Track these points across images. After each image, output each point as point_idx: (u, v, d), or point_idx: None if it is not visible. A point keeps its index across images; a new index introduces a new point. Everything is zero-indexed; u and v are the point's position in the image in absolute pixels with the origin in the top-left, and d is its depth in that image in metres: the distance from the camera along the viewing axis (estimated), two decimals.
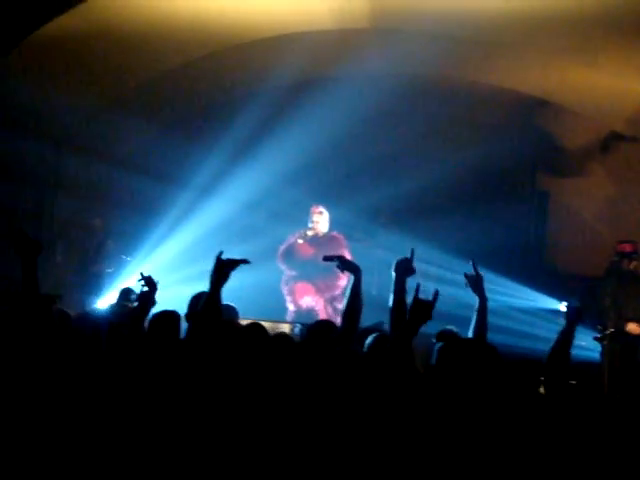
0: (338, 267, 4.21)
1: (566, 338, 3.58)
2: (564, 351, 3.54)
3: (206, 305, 3.42)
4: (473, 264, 4.02)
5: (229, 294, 4.32)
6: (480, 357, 3.11)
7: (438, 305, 4.23)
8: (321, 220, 8.54)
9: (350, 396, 3.03)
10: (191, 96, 9.76)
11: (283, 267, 8.51)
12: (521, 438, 2.85)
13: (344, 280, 8.03)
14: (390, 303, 3.65)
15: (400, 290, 3.66)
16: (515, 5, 7.25)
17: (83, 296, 8.57)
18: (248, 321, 4.21)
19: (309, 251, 8.45)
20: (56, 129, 8.98)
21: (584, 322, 4.00)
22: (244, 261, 3.62)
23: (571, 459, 2.87)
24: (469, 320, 4.11)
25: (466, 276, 4.00)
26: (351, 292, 3.98)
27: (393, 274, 3.71)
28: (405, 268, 3.72)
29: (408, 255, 3.77)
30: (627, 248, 7.71)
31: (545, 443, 2.89)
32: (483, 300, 3.94)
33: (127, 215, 9.42)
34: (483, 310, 3.90)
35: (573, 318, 3.63)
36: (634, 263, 7.58)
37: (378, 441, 2.78)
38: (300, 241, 8.52)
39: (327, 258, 4.42)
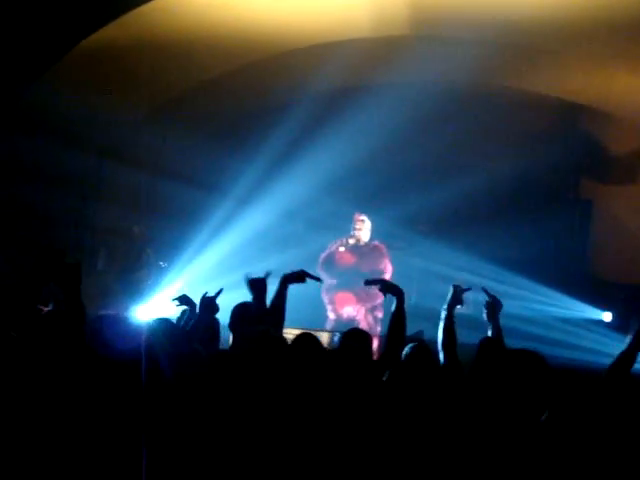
0: (381, 290, 4.16)
1: (627, 359, 3.52)
2: (624, 370, 3.48)
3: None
4: (485, 292, 3.99)
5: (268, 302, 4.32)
6: (527, 365, 3.07)
7: (478, 314, 4.21)
8: (363, 228, 8.54)
9: (383, 401, 3.02)
10: (232, 105, 9.82)
11: (324, 275, 8.50)
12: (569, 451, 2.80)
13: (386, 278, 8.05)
14: (440, 333, 3.78)
15: (449, 318, 3.82)
16: (558, 11, 7.16)
17: (125, 303, 8.64)
18: (288, 330, 4.19)
19: (350, 260, 8.45)
20: (99, 138, 9.11)
21: (630, 331, 3.91)
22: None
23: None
24: (511, 328, 4.08)
25: (487, 305, 4.02)
26: (394, 315, 3.92)
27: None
28: (455, 299, 3.88)
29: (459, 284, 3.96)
30: None
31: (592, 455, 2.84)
32: (495, 329, 3.97)
33: (167, 223, 9.50)
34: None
35: (638, 342, 3.54)
36: None
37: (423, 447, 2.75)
38: (342, 249, 8.52)
39: (369, 282, 4.43)
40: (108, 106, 8.34)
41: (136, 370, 2.78)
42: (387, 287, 4.13)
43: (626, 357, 3.54)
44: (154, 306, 8.09)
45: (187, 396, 2.79)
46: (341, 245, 8.56)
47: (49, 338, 3.05)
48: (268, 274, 3.89)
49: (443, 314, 3.83)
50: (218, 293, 3.86)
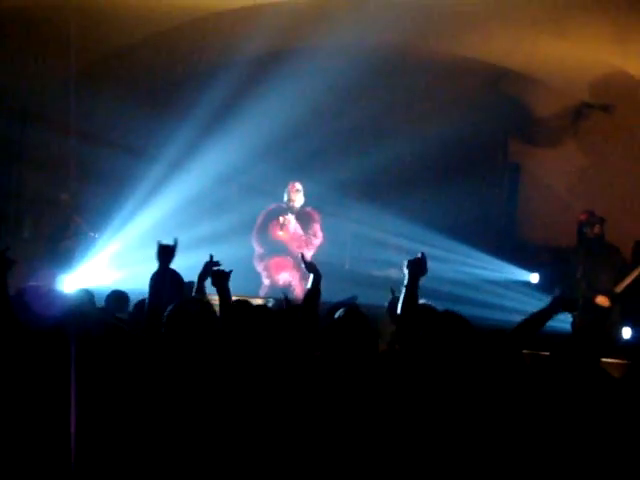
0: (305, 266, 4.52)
1: (539, 321, 3.59)
2: (533, 329, 3.57)
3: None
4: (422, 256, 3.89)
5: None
6: (455, 328, 3.14)
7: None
8: (297, 198, 8.53)
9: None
10: (161, 68, 9.61)
11: (258, 248, 8.48)
12: (496, 408, 2.87)
13: (313, 248, 8.14)
14: (400, 302, 3.66)
15: (413, 288, 3.67)
16: None
17: (52, 272, 8.46)
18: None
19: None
20: (21, 102, 8.81)
21: (553, 293, 4.02)
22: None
23: (539, 428, 2.90)
24: (441, 291, 4.12)
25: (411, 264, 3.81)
26: (308, 291, 4.27)
27: (405, 272, 3.72)
28: (420, 267, 3.72)
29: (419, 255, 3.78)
30: (582, 217, 7.83)
31: (517, 412, 2.91)
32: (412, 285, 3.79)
33: (96, 190, 9.29)
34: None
35: (557, 307, 3.62)
36: (597, 227, 7.66)
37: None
38: (282, 221, 8.46)
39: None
40: (32, 68, 8.06)
41: (61, 341, 2.73)
42: (308, 266, 4.47)
43: (539, 318, 3.61)
44: (82, 275, 7.94)
45: (114, 368, 2.75)
46: (282, 218, 8.48)
47: None
48: (176, 242, 3.92)
49: (406, 282, 3.70)
50: (175, 243, 3.89)
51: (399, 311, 3.64)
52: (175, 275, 3.91)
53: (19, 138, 9.14)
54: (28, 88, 8.47)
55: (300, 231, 8.39)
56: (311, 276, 4.29)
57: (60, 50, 8.28)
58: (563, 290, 4.01)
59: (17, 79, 8.04)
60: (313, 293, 4.20)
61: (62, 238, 8.80)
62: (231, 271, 4.17)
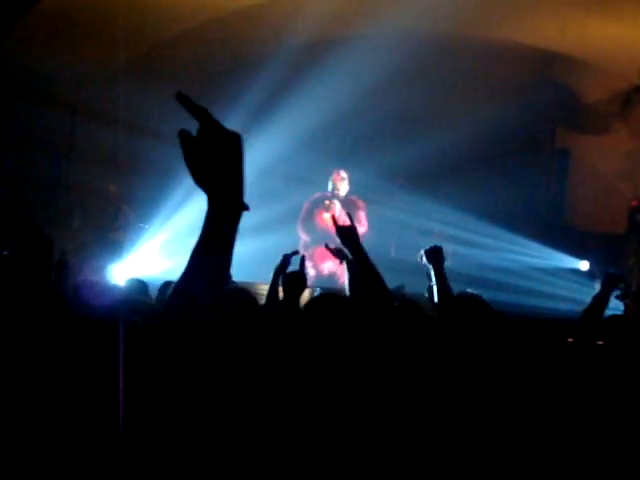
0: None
1: (600, 304, 3.58)
2: (596, 315, 3.54)
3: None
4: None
5: (245, 259, 4.32)
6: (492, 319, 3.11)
7: (457, 266, 4.22)
8: (342, 186, 8.54)
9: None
10: (207, 59, 9.67)
11: (304, 236, 8.51)
12: (547, 398, 2.83)
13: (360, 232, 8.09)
14: (435, 295, 3.63)
15: (441, 277, 3.65)
16: None
17: (102, 262, 8.60)
18: (264, 286, 4.17)
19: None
20: (70, 96, 8.94)
21: (600, 277, 3.99)
22: None
23: (594, 416, 2.85)
24: (487, 281, 4.09)
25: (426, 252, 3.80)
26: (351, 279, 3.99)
27: (425, 262, 3.71)
28: (437, 256, 3.72)
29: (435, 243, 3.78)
30: (634, 203, 7.68)
31: (572, 401, 2.88)
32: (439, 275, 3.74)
33: (143, 181, 9.40)
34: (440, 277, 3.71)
35: (609, 284, 3.62)
36: None
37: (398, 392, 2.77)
38: (328, 203, 8.47)
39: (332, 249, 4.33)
40: (80, 62, 8.17)
41: (113, 331, 2.77)
42: (337, 253, 4.18)
43: (598, 301, 3.62)
44: (132, 265, 8.06)
45: (166, 357, 2.78)
46: (328, 201, 8.50)
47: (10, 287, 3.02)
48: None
49: (432, 274, 3.70)
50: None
51: (436, 300, 3.63)
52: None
53: (69, 131, 9.30)
54: (77, 82, 8.60)
55: (345, 217, 8.40)
56: (345, 264, 4.09)
57: (107, 44, 8.39)
58: (608, 267, 4.02)
59: (66, 73, 8.16)
60: (357, 279, 3.86)
61: (111, 229, 8.95)
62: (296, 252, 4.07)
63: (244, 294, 3.29)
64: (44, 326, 2.85)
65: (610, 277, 3.70)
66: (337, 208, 8.40)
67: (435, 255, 3.72)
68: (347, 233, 3.60)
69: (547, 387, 2.92)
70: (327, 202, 8.45)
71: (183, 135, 1.46)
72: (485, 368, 2.90)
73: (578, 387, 2.97)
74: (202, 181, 1.52)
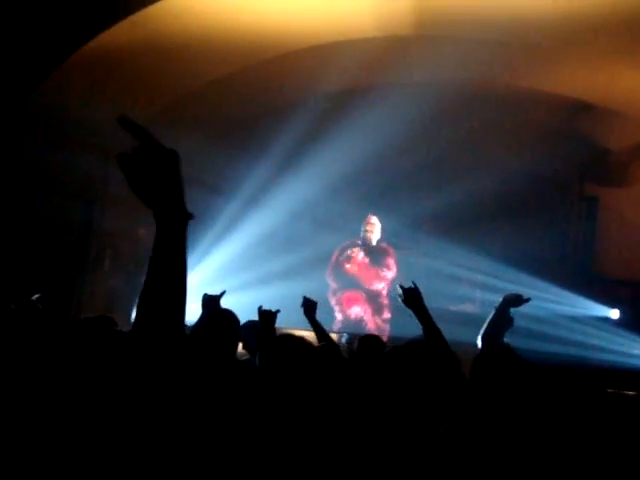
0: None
1: (493, 323, 3.68)
2: (494, 335, 3.55)
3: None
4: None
5: (274, 304, 4.36)
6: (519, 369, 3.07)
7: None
8: (374, 230, 8.59)
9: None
10: (237, 106, 9.83)
11: (332, 283, 8.56)
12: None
13: (385, 281, 8.12)
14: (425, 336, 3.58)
15: (427, 319, 3.60)
16: (560, 8, 7.16)
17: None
18: (294, 331, 4.21)
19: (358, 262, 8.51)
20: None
21: (636, 330, 3.96)
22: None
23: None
24: (517, 329, 4.06)
25: (402, 288, 3.76)
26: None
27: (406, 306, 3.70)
28: (415, 298, 3.68)
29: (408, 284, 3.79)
30: None
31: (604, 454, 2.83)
32: (422, 317, 3.64)
33: None
34: (428, 328, 3.59)
35: (506, 304, 3.85)
36: None
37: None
38: (350, 253, 8.54)
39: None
40: (114, 109, 8.34)
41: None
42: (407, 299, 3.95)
43: (491, 320, 3.81)
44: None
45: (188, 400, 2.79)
46: (350, 250, 8.58)
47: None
48: (223, 293, 4.18)
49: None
50: (222, 294, 4.00)
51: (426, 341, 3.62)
52: (230, 316, 3.96)
53: (101, 176, 9.46)
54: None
55: (368, 263, 8.43)
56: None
57: (141, 90, 8.58)
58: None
59: (101, 120, 8.34)
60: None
61: (141, 273, 9.03)
62: (278, 311, 4.31)
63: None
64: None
65: (509, 297, 3.80)
66: (359, 256, 8.45)
67: (412, 299, 3.67)
68: (411, 295, 3.69)
69: (585, 440, 2.87)
70: (349, 251, 8.54)
71: (120, 158, 1.55)
72: (519, 421, 2.86)
73: (616, 441, 2.92)
74: (145, 197, 1.63)
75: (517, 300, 3.94)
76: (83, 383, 2.88)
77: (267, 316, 4.25)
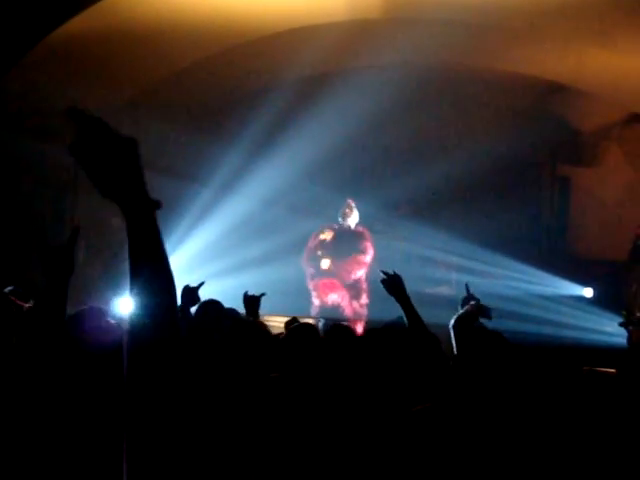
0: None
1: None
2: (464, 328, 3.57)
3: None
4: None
5: (252, 289, 4.36)
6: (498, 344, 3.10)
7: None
8: (351, 215, 8.60)
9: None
10: (208, 93, 9.77)
11: (309, 268, 8.55)
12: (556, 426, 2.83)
13: (364, 265, 8.14)
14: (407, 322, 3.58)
15: (408, 305, 3.59)
16: None
17: (107, 296, 8.61)
18: (271, 317, 4.22)
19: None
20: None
21: (609, 308, 4.00)
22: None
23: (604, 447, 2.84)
24: (495, 310, 4.09)
25: (383, 282, 3.72)
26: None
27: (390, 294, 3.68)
28: (396, 285, 3.66)
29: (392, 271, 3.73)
30: (639, 231, 7.69)
31: (581, 430, 2.87)
32: (404, 304, 3.63)
33: None
34: (410, 314, 3.59)
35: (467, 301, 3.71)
36: None
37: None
38: (325, 237, 8.55)
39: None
40: (81, 96, 8.25)
41: (118, 363, 2.77)
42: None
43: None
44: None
45: (171, 390, 2.78)
46: (322, 233, 8.59)
47: (30, 335, 3.03)
48: (202, 284, 4.13)
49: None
50: (200, 285, 3.99)
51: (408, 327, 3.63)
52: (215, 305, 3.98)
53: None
54: None
55: (343, 253, 8.43)
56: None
57: (110, 78, 8.49)
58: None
59: (69, 107, 8.25)
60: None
61: (115, 262, 8.97)
62: (263, 294, 4.42)
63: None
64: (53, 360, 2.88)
65: (473, 309, 3.76)
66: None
67: (393, 285, 3.66)
68: (393, 282, 3.68)
69: (563, 418, 2.91)
70: (321, 237, 8.56)
71: (72, 148, 1.50)
72: (501, 399, 2.89)
73: (593, 417, 2.95)
74: (105, 189, 1.55)
75: (481, 310, 3.88)
76: (82, 379, 2.87)
77: (252, 301, 4.35)
